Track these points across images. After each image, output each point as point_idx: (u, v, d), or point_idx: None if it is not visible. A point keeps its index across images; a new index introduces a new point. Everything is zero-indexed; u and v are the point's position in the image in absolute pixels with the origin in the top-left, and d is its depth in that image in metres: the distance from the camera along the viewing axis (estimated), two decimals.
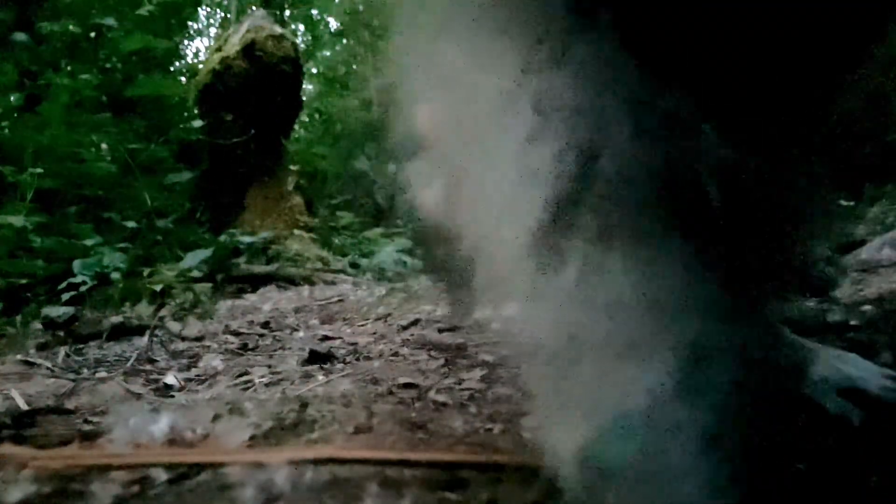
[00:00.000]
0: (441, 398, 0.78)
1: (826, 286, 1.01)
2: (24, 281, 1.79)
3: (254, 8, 5.14)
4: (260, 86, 3.41)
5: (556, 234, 0.36)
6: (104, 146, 2.85)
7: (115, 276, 1.84)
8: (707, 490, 0.30)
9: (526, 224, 0.37)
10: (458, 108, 0.45)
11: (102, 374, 1.08)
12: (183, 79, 4.26)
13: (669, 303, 0.33)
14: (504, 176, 0.41)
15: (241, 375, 1.02)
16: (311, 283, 2.26)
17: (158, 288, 1.76)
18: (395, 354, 1.09)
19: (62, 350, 1.24)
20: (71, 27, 3.24)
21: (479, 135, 0.43)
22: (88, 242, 2.08)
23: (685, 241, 0.35)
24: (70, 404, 0.86)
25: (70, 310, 1.53)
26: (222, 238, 2.67)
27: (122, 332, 1.36)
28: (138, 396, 0.92)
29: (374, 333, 1.29)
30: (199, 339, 1.34)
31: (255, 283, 2.18)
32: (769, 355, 0.36)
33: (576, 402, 0.35)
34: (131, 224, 2.50)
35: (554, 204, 0.36)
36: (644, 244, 0.34)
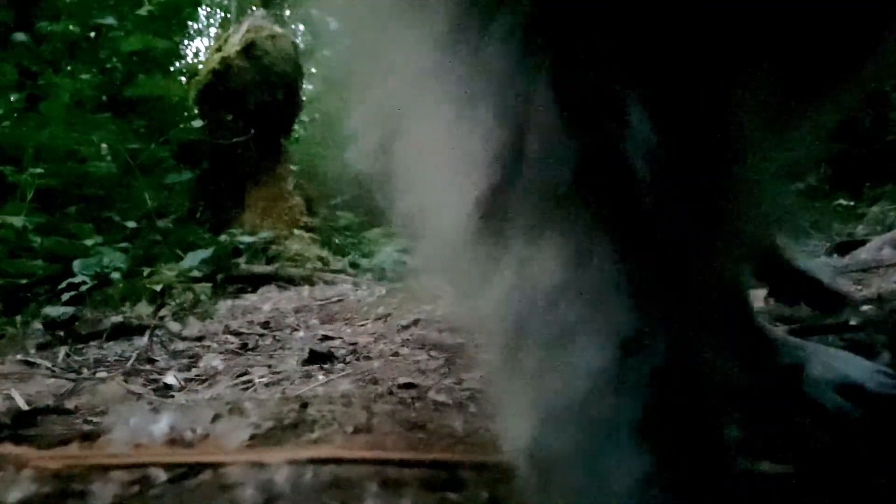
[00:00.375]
0: (441, 398, 0.78)
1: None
2: (24, 281, 1.79)
3: (254, 8, 5.15)
4: (260, 86, 3.41)
5: (487, 222, 0.35)
6: (104, 146, 2.85)
7: (115, 276, 1.84)
8: (635, 482, 0.30)
9: (454, 212, 0.37)
10: (383, 85, 0.44)
11: (102, 374, 1.08)
12: (183, 79, 4.26)
13: (600, 292, 0.33)
14: (430, 160, 0.40)
15: (241, 375, 1.02)
16: (311, 283, 2.26)
17: (158, 288, 1.76)
18: (395, 354, 1.09)
19: (62, 350, 1.24)
20: (71, 27, 3.24)
21: (403, 113, 0.42)
22: (88, 242, 2.08)
23: (615, 229, 0.34)
24: (70, 404, 0.86)
25: (70, 310, 1.53)
26: (222, 238, 2.67)
27: (122, 332, 1.36)
28: (138, 396, 0.92)
29: (374, 333, 1.29)
30: (199, 339, 1.34)
31: (255, 283, 2.18)
32: (712, 344, 0.35)
33: (514, 393, 0.35)
34: (131, 224, 2.50)
35: (482, 192, 0.35)
36: (574, 233, 0.34)
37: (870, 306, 1.07)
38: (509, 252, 0.34)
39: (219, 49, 3.55)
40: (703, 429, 0.32)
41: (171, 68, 4.43)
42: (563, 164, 0.34)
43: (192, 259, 2.10)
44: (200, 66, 3.95)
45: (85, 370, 1.11)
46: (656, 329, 0.32)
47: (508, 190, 0.35)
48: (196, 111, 3.46)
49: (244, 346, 1.26)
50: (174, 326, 1.43)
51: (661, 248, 0.34)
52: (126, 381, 1.00)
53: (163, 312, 1.57)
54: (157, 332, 1.36)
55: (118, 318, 1.45)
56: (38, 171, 2.27)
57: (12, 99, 2.82)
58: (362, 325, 1.42)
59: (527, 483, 0.33)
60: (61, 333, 1.38)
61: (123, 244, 2.23)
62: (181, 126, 3.30)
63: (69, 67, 3.13)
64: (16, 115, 2.72)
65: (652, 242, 0.34)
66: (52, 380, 1.02)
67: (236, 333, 1.39)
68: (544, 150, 0.34)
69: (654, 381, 0.31)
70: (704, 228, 0.36)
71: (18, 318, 1.54)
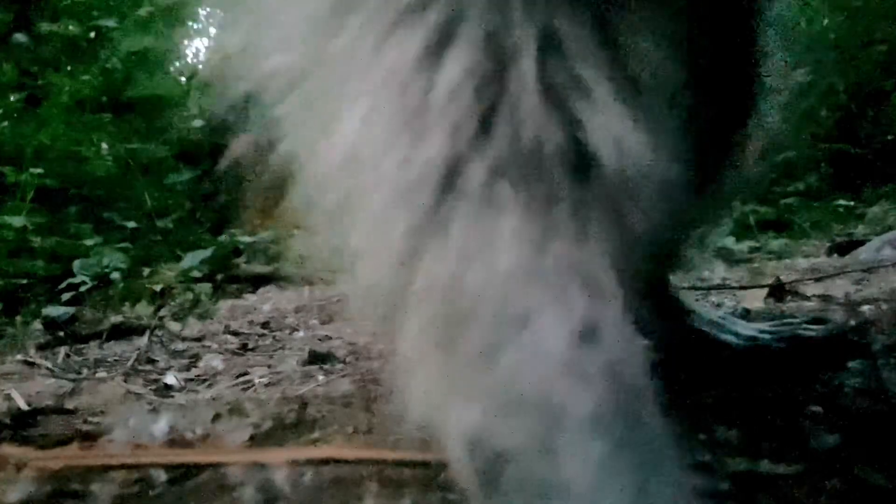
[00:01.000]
0: None
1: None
2: (24, 281, 1.79)
3: None
4: None
5: (443, 195, 0.33)
6: (104, 146, 2.85)
7: (115, 276, 1.84)
8: (590, 471, 0.29)
9: (407, 181, 0.34)
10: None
11: (102, 374, 1.08)
12: (183, 79, 4.26)
13: (558, 277, 0.32)
14: (383, 115, 0.35)
15: (241, 375, 1.02)
16: (311, 283, 2.26)
17: (158, 288, 1.76)
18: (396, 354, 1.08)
19: (62, 350, 1.24)
20: (71, 27, 3.24)
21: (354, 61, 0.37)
22: (88, 242, 2.08)
23: (577, 214, 0.33)
24: (70, 404, 0.85)
25: (70, 310, 1.53)
26: (222, 238, 2.67)
27: (122, 332, 1.36)
28: (138, 396, 0.92)
29: (375, 333, 1.29)
30: (199, 339, 1.34)
31: (255, 283, 2.17)
32: (665, 332, 0.34)
33: (461, 379, 0.33)
34: (131, 224, 2.50)
35: (443, 159, 0.33)
36: (536, 214, 0.32)
37: (870, 306, 1.07)
38: (462, 226, 0.33)
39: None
40: (654, 419, 0.32)
41: (171, 68, 4.43)
42: (538, 147, 0.33)
43: (192, 259, 2.10)
44: (200, 66, 3.94)
45: (85, 370, 1.11)
46: (612, 319, 0.32)
47: (468, 159, 0.33)
48: (196, 111, 3.46)
49: (244, 346, 1.26)
50: (174, 326, 1.43)
51: (621, 239, 0.33)
52: (126, 381, 1.00)
53: (163, 312, 1.57)
54: (157, 332, 1.36)
55: (118, 319, 1.45)
56: (38, 171, 2.27)
57: (12, 99, 2.82)
58: (362, 326, 1.42)
59: (470, 474, 0.32)
60: (61, 333, 1.38)
61: (123, 244, 2.23)
62: (181, 126, 3.30)
63: (69, 67, 3.13)
64: (16, 115, 2.72)
65: (612, 232, 0.33)
66: (52, 380, 1.02)
67: (236, 333, 1.39)
68: (520, 131, 0.33)
69: (609, 371, 0.31)
70: (662, 223, 0.36)
71: (18, 318, 1.54)
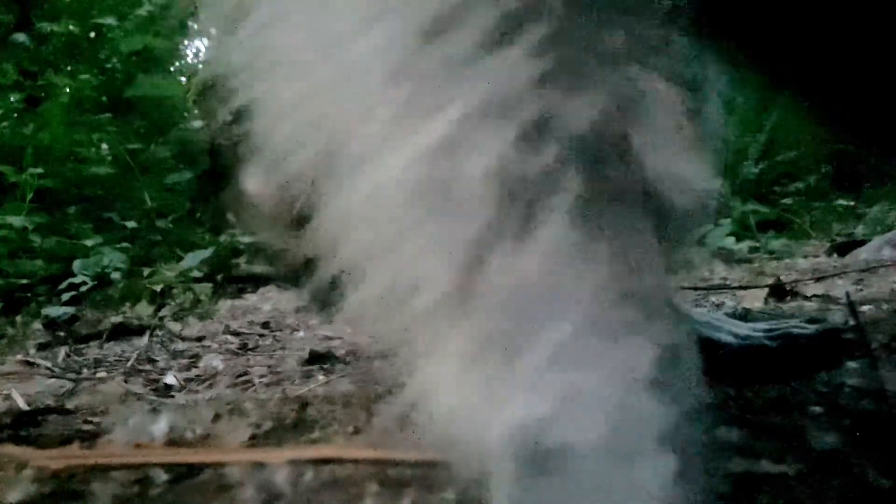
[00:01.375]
0: None
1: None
2: (24, 281, 1.79)
3: None
4: None
5: (536, 211, 0.34)
6: (104, 146, 2.85)
7: (115, 276, 1.84)
8: (663, 480, 0.30)
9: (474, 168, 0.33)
10: None
11: (102, 374, 1.08)
12: (183, 79, 4.26)
13: (643, 293, 0.33)
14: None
15: (241, 375, 1.02)
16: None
17: (158, 288, 1.76)
18: (396, 354, 1.08)
19: (62, 350, 1.24)
20: (71, 27, 3.24)
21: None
22: (88, 242, 2.08)
23: (656, 244, 0.35)
24: (70, 404, 0.86)
25: (70, 310, 1.53)
26: (222, 238, 2.67)
27: (122, 332, 1.36)
28: (138, 396, 0.92)
29: (378, 332, 1.29)
30: (199, 339, 1.34)
31: (255, 283, 2.17)
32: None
33: (526, 381, 0.33)
34: (131, 224, 2.50)
35: (547, 179, 0.34)
36: (623, 241, 0.34)
37: (870, 306, 1.07)
38: (552, 243, 0.34)
39: None
40: (709, 434, 0.33)
41: (171, 68, 4.43)
42: (629, 183, 0.35)
43: (192, 259, 2.10)
44: (200, 66, 3.94)
45: (85, 370, 1.11)
46: (686, 338, 0.34)
47: (569, 183, 0.34)
48: (196, 111, 3.46)
49: (244, 346, 1.26)
50: (174, 326, 1.43)
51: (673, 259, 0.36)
52: (126, 381, 1.00)
53: (163, 312, 1.57)
54: (157, 332, 1.36)
55: (118, 318, 1.45)
56: (38, 171, 2.27)
57: (12, 99, 2.82)
58: (363, 325, 1.42)
59: (515, 469, 0.32)
60: (61, 333, 1.38)
61: (123, 244, 2.23)
62: (181, 126, 3.30)
63: (69, 67, 3.14)
64: (16, 115, 2.72)
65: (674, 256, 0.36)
66: (52, 380, 1.02)
67: (236, 333, 1.39)
68: (619, 166, 0.34)
69: (687, 389, 0.32)
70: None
71: (18, 318, 1.54)
